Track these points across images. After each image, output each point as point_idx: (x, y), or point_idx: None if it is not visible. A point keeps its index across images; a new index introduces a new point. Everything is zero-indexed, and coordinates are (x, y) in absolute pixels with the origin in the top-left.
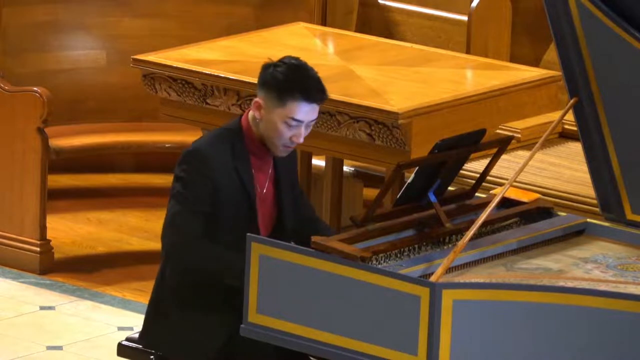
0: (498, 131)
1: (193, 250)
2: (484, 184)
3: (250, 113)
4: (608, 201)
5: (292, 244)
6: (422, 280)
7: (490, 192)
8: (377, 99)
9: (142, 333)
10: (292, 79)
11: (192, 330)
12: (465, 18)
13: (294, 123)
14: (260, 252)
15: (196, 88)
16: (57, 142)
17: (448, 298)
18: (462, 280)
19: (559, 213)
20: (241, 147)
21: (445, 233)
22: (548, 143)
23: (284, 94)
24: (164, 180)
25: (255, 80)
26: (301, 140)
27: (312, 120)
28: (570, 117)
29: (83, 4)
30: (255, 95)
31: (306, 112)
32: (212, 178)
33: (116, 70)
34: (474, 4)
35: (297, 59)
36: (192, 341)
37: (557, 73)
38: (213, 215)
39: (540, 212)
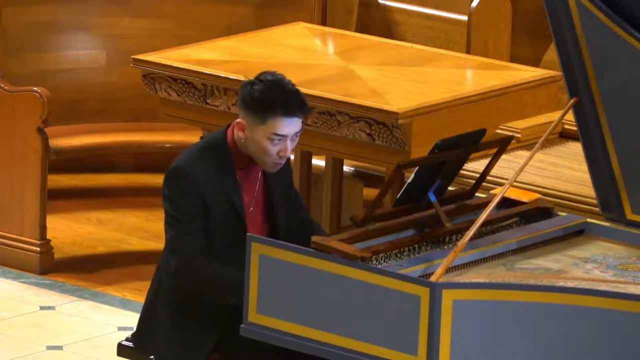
0: (498, 131)
1: (193, 273)
2: (484, 184)
3: (235, 132)
4: (608, 201)
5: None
6: (422, 280)
7: (490, 192)
8: (377, 99)
9: (134, 334)
10: (269, 96)
11: (182, 336)
12: (465, 18)
13: (277, 139)
14: (260, 252)
15: (196, 88)
16: (57, 142)
17: (448, 298)
18: (462, 280)
19: (559, 213)
20: (226, 160)
21: (445, 233)
22: (548, 143)
23: (264, 112)
24: None
25: None
26: (289, 154)
27: (297, 133)
28: (570, 117)
29: (83, 4)
30: None
31: (288, 126)
32: (199, 193)
33: (116, 70)
34: (474, 4)
35: (273, 73)
36: (182, 346)
37: (557, 73)
38: (208, 228)
39: (540, 212)
